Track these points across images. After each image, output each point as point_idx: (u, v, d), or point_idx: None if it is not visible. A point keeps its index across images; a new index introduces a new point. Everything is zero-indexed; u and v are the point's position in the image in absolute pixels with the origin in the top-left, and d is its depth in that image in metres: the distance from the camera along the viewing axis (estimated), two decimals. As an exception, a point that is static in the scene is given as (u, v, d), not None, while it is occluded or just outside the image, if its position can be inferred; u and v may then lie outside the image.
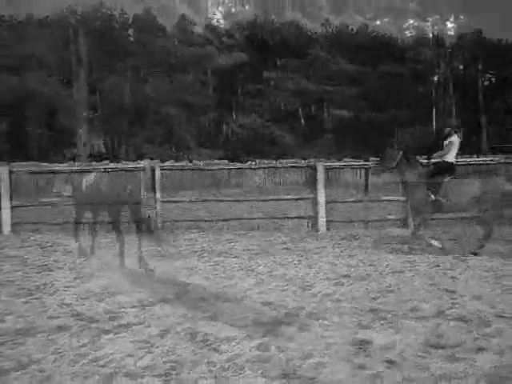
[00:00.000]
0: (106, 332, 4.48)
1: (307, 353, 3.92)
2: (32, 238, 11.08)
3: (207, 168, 12.38)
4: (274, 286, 6.14)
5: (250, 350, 3.99)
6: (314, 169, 10.72)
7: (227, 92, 22.64)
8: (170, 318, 4.87)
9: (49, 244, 10.44)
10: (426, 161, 9.10)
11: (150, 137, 17.80)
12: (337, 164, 10.64)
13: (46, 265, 7.88)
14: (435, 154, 8.97)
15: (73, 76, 16.70)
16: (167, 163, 12.48)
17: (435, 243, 8.67)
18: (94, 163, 12.97)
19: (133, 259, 7.74)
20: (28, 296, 5.83)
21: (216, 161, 12.87)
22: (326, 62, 22.05)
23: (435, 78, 32.54)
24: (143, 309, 5.25)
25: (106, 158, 12.40)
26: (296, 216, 10.63)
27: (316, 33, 25.26)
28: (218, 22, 27.19)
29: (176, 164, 12.55)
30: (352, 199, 11.63)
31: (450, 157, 8.80)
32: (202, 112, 20.52)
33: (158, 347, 4.07)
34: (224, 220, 11.46)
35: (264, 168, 9.92)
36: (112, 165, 12.59)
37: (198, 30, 22.98)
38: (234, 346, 4.09)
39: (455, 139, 8.78)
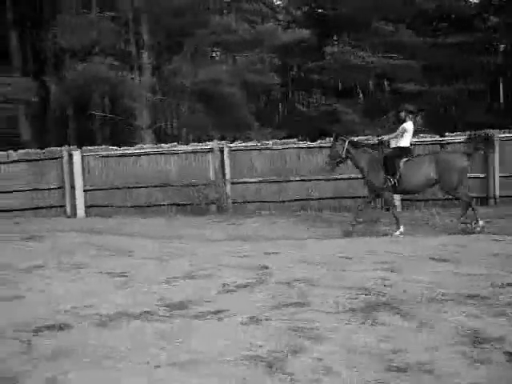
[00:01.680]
0: (196, 317, 4.36)
1: (413, 343, 3.65)
2: (103, 221, 11.29)
3: (276, 148, 12.13)
4: (364, 269, 5.88)
5: (350, 339, 3.75)
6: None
7: (288, 69, 22.19)
8: (256, 304, 4.70)
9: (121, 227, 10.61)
10: (376, 142, 9.38)
11: (212, 118, 17.66)
12: (413, 140, 10.18)
13: (124, 249, 7.95)
14: (385, 137, 9.36)
15: (136, 60, 16.76)
16: (235, 143, 12.31)
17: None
18: (162, 145, 12.99)
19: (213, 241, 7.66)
20: (120, 280, 5.85)
21: (284, 140, 12.54)
22: (390, 33, 21.14)
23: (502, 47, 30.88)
24: (228, 293, 5.13)
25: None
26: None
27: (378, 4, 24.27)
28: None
29: (244, 144, 12.37)
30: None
31: (404, 142, 8.94)
32: (263, 91, 20.22)
33: (251, 336, 3.89)
34: (296, 200, 11.21)
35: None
36: (181, 147, 12.62)
37: (255, 7, 22.50)
38: (331, 333, 3.86)
39: (408, 124, 8.90)
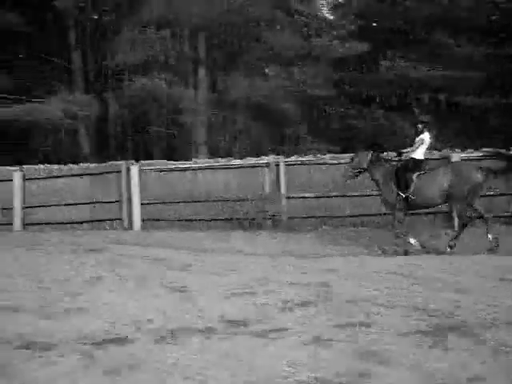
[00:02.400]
0: (258, 336, 4.26)
1: (490, 370, 3.41)
2: (160, 235, 11.39)
3: (332, 162, 11.95)
4: (430, 289, 5.62)
5: (421, 364, 3.53)
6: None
7: (343, 83, 21.97)
8: (319, 323, 4.55)
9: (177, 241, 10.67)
10: (396, 158, 9.11)
11: (266, 132, 17.70)
12: (474, 155, 9.80)
13: (181, 263, 7.95)
14: (404, 150, 9.01)
15: (192, 75, 17.05)
16: (291, 158, 12.22)
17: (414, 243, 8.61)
18: (219, 159, 13.05)
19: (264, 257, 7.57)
20: (180, 295, 5.83)
21: (340, 155, 12.35)
22: (450, 46, 20.63)
23: None
24: (290, 311, 5.00)
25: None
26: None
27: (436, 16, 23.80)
28: (328, 12, 26.64)
29: (300, 158, 12.26)
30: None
31: (418, 154, 8.77)
32: (318, 105, 20.10)
33: (316, 357, 3.74)
34: (354, 216, 10.98)
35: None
36: (237, 161, 12.64)
37: (309, 21, 22.45)
38: (400, 357, 3.66)
39: (425, 136, 8.74)
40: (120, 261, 8.03)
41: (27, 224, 13.52)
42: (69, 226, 13.19)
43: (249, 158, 12.65)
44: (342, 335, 4.12)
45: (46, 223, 13.43)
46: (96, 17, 24.08)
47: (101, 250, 9.03)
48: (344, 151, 13.22)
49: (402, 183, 8.62)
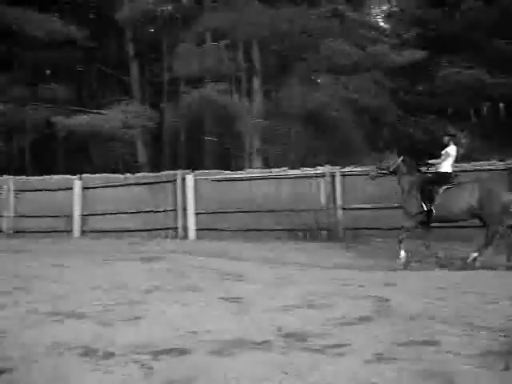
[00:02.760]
0: (316, 351, 4.14)
1: None
2: (215, 245, 11.41)
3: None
4: (500, 306, 5.35)
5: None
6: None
7: (400, 92, 21.57)
8: (380, 340, 4.38)
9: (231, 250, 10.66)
10: (424, 168, 9.04)
11: (320, 142, 17.53)
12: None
13: (236, 273, 7.92)
14: (430, 162, 8.95)
15: (246, 85, 17.15)
16: (347, 168, 12.03)
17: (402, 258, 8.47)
18: (273, 169, 13.00)
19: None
20: (236, 306, 5.78)
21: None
22: (508, 52, 19.89)
23: None
24: (349, 326, 4.85)
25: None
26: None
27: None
28: (382, 20, 26.32)
29: (356, 169, 12.05)
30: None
31: (445, 167, 8.65)
32: (373, 114, 19.78)
33: (379, 376, 3.58)
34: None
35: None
36: (292, 171, 12.56)
37: (363, 30, 22.16)
38: (471, 381, 3.46)
39: (451, 149, 8.63)
40: (176, 270, 8.08)
41: (85, 231, 13.86)
42: (124, 234, 13.42)
43: (304, 169, 12.54)
44: (405, 354, 3.94)
45: (103, 231, 13.74)
46: (153, 30, 24.72)
47: (157, 258, 9.12)
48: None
49: (427, 195, 8.47)
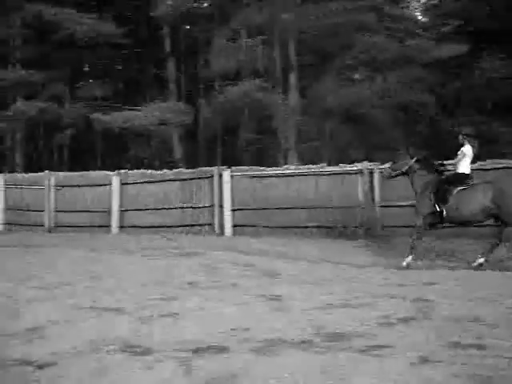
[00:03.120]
0: (358, 352, 4.05)
1: None
2: (251, 241, 11.38)
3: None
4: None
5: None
6: None
7: (439, 86, 21.07)
8: (423, 342, 4.26)
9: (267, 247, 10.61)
10: (441, 168, 8.86)
11: (356, 139, 17.31)
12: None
13: (273, 271, 7.88)
14: (446, 162, 8.88)
15: (282, 81, 17.04)
16: (386, 165, 11.80)
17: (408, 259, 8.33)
18: (310, 166, 12.87)
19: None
20: (275, 304, 5.72)
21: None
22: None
23: None
24: (391, 326, 4.75)
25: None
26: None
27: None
28: (421, 14, 25.76)
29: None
30: None
31: (462, 167, 8.47)
32: (411, 110, 19.38)
33: (425, 380, 3.47)
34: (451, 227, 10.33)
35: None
36: (329, 168, 12.41)
37: (401, 24, 21.73)
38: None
39: (467, 148, 8.43)
40: (212, 266, 8.09)
41: (122, 227, 14.02)
42: (161, 229, 13.52)
43: (341, 165, 12.35)
44: (452, 357, 3.82)
45: (140, 227, 13.87)
46: (189, 26, 24.85)
47: (194, 254, 9.16)
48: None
49: (441, 196, 8.31)
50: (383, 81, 16.54)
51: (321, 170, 12.34)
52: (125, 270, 7.98)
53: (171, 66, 21.86)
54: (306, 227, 12.03)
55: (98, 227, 14.28)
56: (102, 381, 3.58)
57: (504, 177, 10.16)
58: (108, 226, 14.11)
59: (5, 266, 8.48)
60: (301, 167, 13.25)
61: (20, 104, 20.94)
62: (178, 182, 13.70)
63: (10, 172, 19.66)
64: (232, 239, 11.82)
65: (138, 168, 16.96)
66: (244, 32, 18.50)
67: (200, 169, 13.97)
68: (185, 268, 7.99)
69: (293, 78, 16.60)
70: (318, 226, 11.82)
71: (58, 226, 14.83)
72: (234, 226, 12.65)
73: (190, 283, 6.83)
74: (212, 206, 12.95)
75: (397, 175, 9.11)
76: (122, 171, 14.53)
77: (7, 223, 15.52)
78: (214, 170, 13.11)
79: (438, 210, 8.29)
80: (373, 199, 11.55)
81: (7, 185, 15.61)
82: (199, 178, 13.39)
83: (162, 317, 5.21)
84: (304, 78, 18.09)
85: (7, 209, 15.55)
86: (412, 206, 10.63)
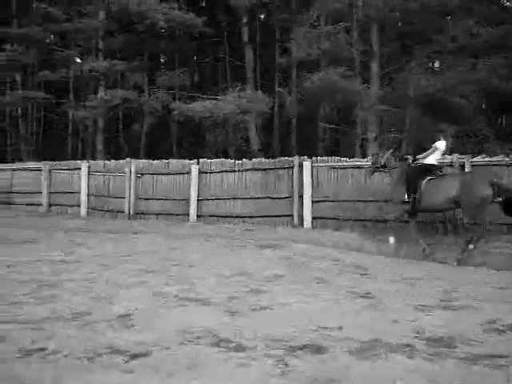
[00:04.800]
0: (468, 361, 3.68)
1: None
2: (332, 234, 11.05)
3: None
4: None
5: None
6: None
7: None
8: None
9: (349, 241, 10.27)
10: (412, 160, 9.38)
11: (440, 129, 16.46)
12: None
13: (359, 266, 7.55)
14: (418, 156, 9.37)
15: (364, 69, 16.47)
16: (478, 158, 11.12)
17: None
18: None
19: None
20: (365, 302, 5.44)
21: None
22: None
23: None
24: (498, 334, 4.34)
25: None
26: None
27: None
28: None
29: (488, 159, 11.10)
30: None
31: (431, 159, 9.11)
32: (504, 98, 18.17)
33: None
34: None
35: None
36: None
37: (490, 8, 20.41)
38: None
39: (440, 143, 9.09)
40: (295, 259, 7.88)
41: (200, 216, 14.07)
42: (239, 220, 13.44)
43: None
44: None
45: (218, 216, 13.87)
46: (266, 15, 24.65)
47: (274, 246, 8.98)
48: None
49: (412, 186, 8.86)
50: (471, 68, 15.55)
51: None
52: (206, 259, 7.91)
53: (249, 54, 21.72)
54: (390, 221, 11.49)
55: (176, 215, 14.41)
56: (195, 376, 3.43)
57: (471, 173, 10.45)
58: (186, 215, 14.20)
59: (88, 251, 8.64)
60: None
61: (103, 93, 21.55)
62: (256, 172, 13.54)
63: (92, 159, 20.33)
64: (312, 231, 11.53)
65: (217, 157, 17.02)
66: (323, 19, 18.09)
67: (280, 159, 13.72)
68: (267, 260, 7.82)
69: (375, 66, 15.98)
70: (403, 221, 11.27)
71: (137, 213, 15.10)
72: (314, 217, 12.35)
73: (273, 276, 6.64)
74: (291, 196, 12.70)
75: (378, 169, 9.84)
76: (201, 160, 14.56)
77: (90, 209, 15.99)
78: (295, 159, 12.83)
79: (409, 199, 8.87)
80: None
81: (90, 172, 16.06)
82: (279, 168, 13.16)
83: (250, 310, 5.06)
84: (386, 66, 17.41)
85: (90, 195, 16.01)
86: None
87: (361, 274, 6.92)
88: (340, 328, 4.47)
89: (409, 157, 9.62)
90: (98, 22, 21.82)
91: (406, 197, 8.93)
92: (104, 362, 3.66)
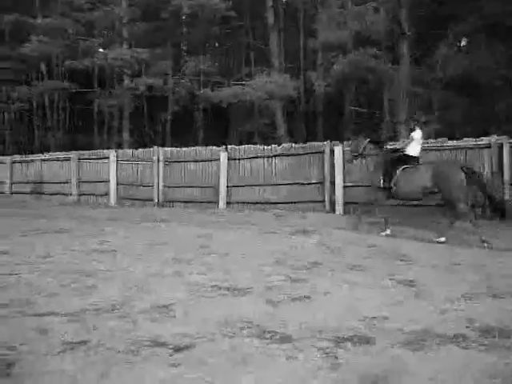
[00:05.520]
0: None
1: None
2: (366, 220, 10.82)
3: None
4: None
5: None
6: None
7: None
8: None
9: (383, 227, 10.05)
10: (387, 150, 9.80)
11: (474, 111, 16.03)
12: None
13: (396, 252, 7.35)
14: (397, 146, 10.07)
15: (394, 50, 16.08)
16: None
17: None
18: (430, 140, 11.96)
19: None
20: (411, 290, 5.25)
21: None
22: None
23: None
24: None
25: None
26: None
27: None
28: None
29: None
30: None
31: (410, 150, 9.36)
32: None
33: None
34: None
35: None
36: (451, 142, 11.48)
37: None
38: None
39: (416, 133, 9.39)
40: (331, 246, 7.71)
41: (229, 202, 13.98)
42: (268, 206, 13.31)
43: (465, 139, 11.37)
44: None
45: (247, 202, 13.76)
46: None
47: (308, 232, 8.82)
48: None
49: (388, 174, 9.18)
50: (506, 48, 15.05)
51: (444, 144, 11.43)
52: (239, 247, 7.79)
53: (274, 38, 21.42)
54: (425, 206, 11.23)
55: (205, 202, 14.35)
56: (244, 370, 3.32)
57: (444, 161, 10.88)
58: (215, 202, 14.13)
59: (120, 241, 8.59)
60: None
61: (128, 81, 21.54)
62: (286, 158, 13.37)
63: (118, 147, 20.37)
64: (344, 217, 11.34)
65: (241, 143, 16.87)
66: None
67: (310, 144, 13.52)
68: (302, 247, 7.67)
69: (405, 47, 15.57)
70: (439, 205, 10.97)
71: (166, 201, 15.09)
72: (346, 203, 12.15)
73: (311, 263, 6.49)
74: (322, 182, 12.51)
75: (356, 156, 10.08)
76: (230, 146, 14.44)
77: (118, 198, 16.04)
78: (326, 145, 12.62)
79: (384, 186, 9.20)
80: (502, 176, 10.54)
81: (118, 160, 16.08)
82: (309, 154, 12.96)
83: (291, 300, 4.92)
84: (417, 47, 16.97)
85: (119, 184, 16.04)
86: None
87: (400, 260, 6.73)
88: (386, 318, 4.32)
89: (387, 146, 10.09)
90: (121, 8, 21.74)
91: (382, 183, 9.26)
92: (148, 356, 3.57)
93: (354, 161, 10.46)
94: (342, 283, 5.50)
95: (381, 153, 9.64)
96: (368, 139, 9.89)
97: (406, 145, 9.49)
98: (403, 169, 9.07)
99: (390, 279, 5.67)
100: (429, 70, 16.41)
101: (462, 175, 8.46)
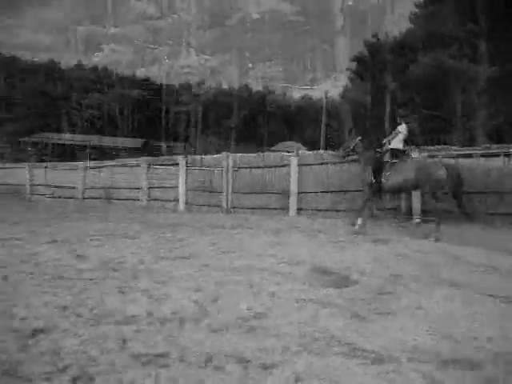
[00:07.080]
0: None
1: None
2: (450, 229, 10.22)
3: None
4: None
5: None
6: None
7: None
8: None
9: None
10: (378, 145, 10.19)
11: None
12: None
13: (488, 265, 6.81)
14: (384, 141, 10.18)
15: (471, 49, 15.31)
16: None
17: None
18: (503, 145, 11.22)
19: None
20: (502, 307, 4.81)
21: None
22: None
23: None
24: None
25: None
26: None
27: None
28: None
29: None
30: None
31: (396, 143, 9.86)
32: None
33: None
34: None
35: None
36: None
37: None
38: None
39: (401, 127, 9.94)
40: (413, 256, 7.26)
41: (300, 209, 13.66)
42: (338, 213, 12.89)
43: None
44: None
45: (318, 209, 13.39)
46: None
47: (387, 241, 8.38)
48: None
49: (377, 169, 9.66)
50: None
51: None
52: (314, 256, 7.45)
53: (341, 42, 21.04)
54: (493, 214, 10.53)
55: (274, 209, 14.10)
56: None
57: (426, 158, 11.09)
58: (283, 209, 13.85)
59: (192, 247, 8.46)
60: (498, 146, 11.62)
61: (196, 88, 21.73)
62: (357, 163, 12.89)
63: (186, 154, 20.53)
64: (421, 225, 10.78)
65: (315, 149, 16.54)
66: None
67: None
68: (382, 257, 7.25)
69: (483, 46, 14.79)
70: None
71: (234, 207, 14.96)
72: (424, 210, 11.54)
73: (393, 275, 6.09)
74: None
75: (348, 154, 10.63)
76: (301, 151, 14.15)
77: (188, 203, 16.07)
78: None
79: (375, 181, 9.64)
80: None
81: (188, 167, 16.12)
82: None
83: (377, 314, 4.58)
84: (497, 46, 16.09)
85: (187, 190, 16.08)
86: None
87: (493, 275, 6.21)
88: (490, 339, 3.91)
89: (375, 143, 10.43)
90: (190, 15, 21.96)
91: (373, 179, 9.71)
92: (237, 374, 3.35)
93: (347, 157, 11.07)
94: (428, 297, 5.12)
95: (369, 150, 10.15)
96: (358, 138, 10.36)
97: (392, 139, 9.98)
98: (391, 163, 9.62)
99: (484, 294, 5.20)
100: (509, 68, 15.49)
101: (443, 172, 8.94)
